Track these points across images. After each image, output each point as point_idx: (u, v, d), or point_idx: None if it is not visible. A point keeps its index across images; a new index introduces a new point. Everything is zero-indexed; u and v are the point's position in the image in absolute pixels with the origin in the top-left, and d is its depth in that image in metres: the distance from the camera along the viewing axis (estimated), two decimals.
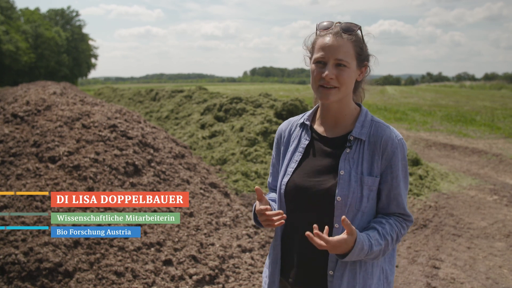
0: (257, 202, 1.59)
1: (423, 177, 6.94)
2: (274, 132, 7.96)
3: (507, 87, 50.45)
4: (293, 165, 1.64)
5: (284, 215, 1.52)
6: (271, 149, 7.58)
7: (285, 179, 1.64)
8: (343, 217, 1.40)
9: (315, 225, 1.44)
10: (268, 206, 1.54)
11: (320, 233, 1.41)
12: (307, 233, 1.42)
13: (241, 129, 8.55)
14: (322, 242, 1.40)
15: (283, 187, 1.64)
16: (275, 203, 1.73)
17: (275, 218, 1.50)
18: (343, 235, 1.42)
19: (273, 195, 1.80)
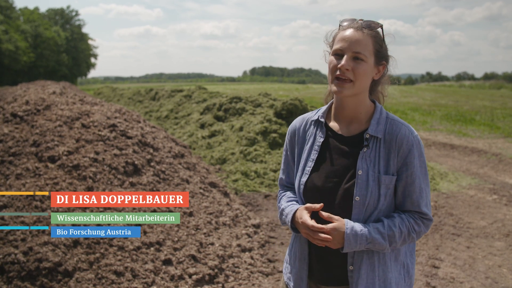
0: (305, 214, 1.56)
1: None
2: (274, 131, 7.96)
3: (506, 87, 50.50)
4: (310, 164, 1.64)
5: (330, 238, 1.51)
6: (271, 148, 7.58)
7: (304, 179, 1.64)
8: (320, 211, 1.52)
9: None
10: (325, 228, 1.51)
11: (316, 224, 1.51)
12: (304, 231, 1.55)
13: (241, 129, 8.55)
14: (323, 235, 1.48)
15: (301, 186, 1.64)
16: (297, 203, 1.72)
17: (323, 240, 1.50)
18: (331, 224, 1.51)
19: (292, 195, 1.77)
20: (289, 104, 8.66)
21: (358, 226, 1.49)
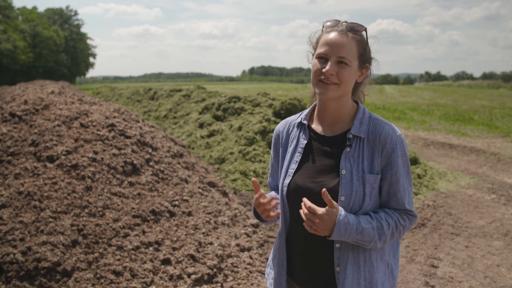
0: (258, 194, 1.60)
1: (422, 176, 6.95)
2: (273, 131, 7.93)
3: (505, 86, 50.65)
4: (294, 166, 1.64)
5: (278, 200, 1.57)
6: (270, 148, 7.58)
7: (287, 181, 1.63)
8: (324, 190, 1.44)
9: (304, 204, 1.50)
10: (262, 192, 1.57)
11: (308, 202, 1.48)
12: (300, 210, 1.50)
13: (240, 128, 8.55)
14: (310, 217, 1.46)
15: (285, 188, 1.64)
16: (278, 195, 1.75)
17: (270, 205, 1.55)
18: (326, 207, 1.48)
19: (273, 193, 1.81)
20: (288, 104, 8.66)
21: (350, 216, 1.48)
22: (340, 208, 1.48)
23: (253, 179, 1.57)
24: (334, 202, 1.46)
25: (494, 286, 3.69)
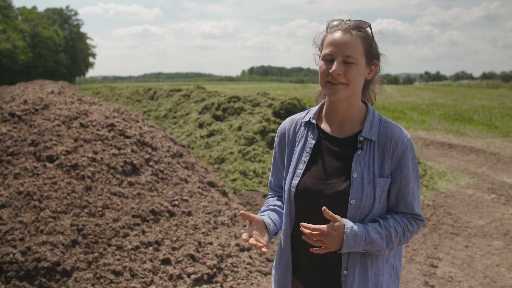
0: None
1: (421, 176, 6.95)
2: (272, 131, 7.96)
3: (504, 86, 50.71)
4: (302, 166, 1.61)
5: (260, 243, 1.47)
6: (269, 148, 7.57)
7: (295, 181, 1.60)
8: (324, 207, 1.43)
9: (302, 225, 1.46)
10: (246, 235, 1.48)
11: (309, 226, 1.44)
12: (303, 236, 1.46)
13: (239, 128, 8.54)
14: (317, 237, 1.44)
15: (293, 189, 1.60)
16: (275, 212, 1.70)
17: (260, 246, 1.46)
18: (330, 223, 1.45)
19: (272, 202, 1.77)
20: (287, 104, 8.66)
21: (357, 226, 1.47)
22: (346, 220, 1.47)
23: (240, 213, 1.49)
24: (337, 216, 1.45)
25: (494, 286, 3.69)
